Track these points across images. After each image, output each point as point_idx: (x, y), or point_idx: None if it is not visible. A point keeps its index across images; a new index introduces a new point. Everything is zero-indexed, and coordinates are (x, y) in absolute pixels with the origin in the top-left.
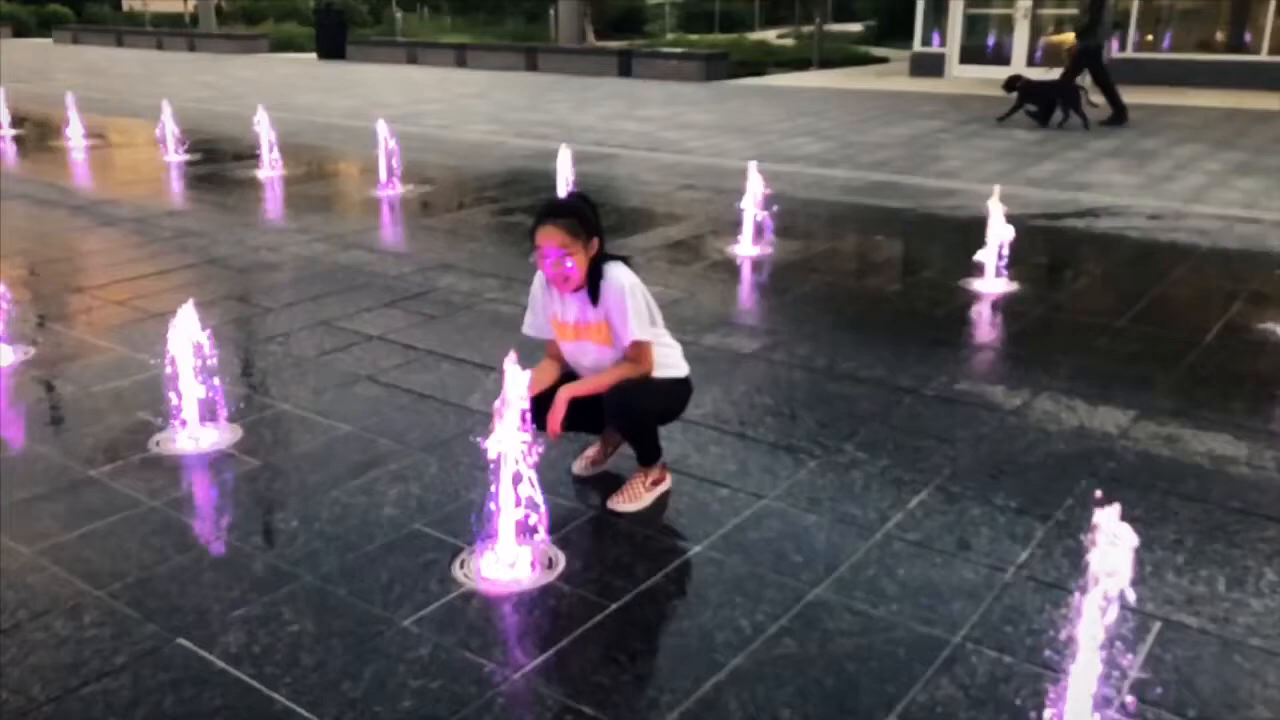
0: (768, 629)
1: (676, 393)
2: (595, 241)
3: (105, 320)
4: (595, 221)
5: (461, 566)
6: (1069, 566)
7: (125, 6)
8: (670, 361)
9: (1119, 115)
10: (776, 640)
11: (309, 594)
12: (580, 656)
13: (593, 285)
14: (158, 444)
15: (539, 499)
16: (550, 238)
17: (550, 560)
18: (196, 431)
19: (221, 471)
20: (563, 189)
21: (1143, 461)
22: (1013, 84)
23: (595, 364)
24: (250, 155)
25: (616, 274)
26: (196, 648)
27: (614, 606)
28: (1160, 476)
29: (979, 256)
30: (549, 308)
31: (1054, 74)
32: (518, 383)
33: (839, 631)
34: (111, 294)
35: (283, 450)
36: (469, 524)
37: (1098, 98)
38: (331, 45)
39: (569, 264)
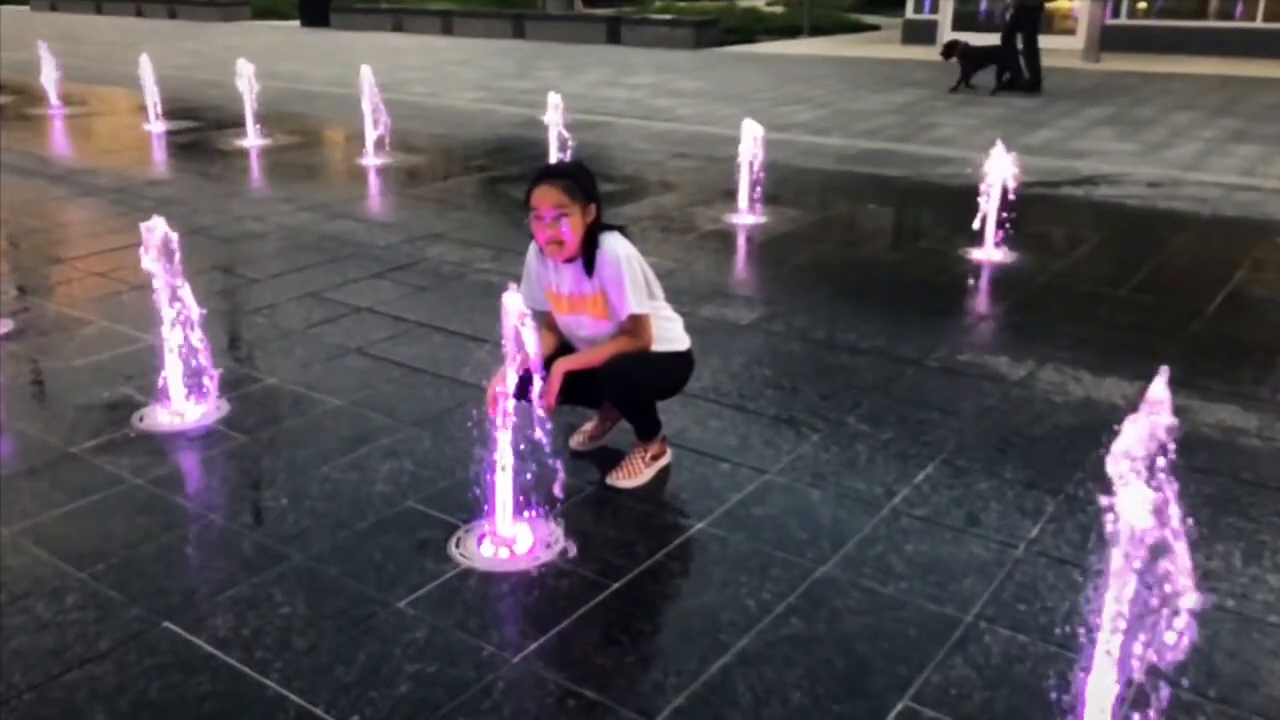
0: (775, 608)
1: (676, 367)
2: (592, 207)
3: (86, 292)
4: (593, 188)
5: (457, 545)
6: (1082, 541)
7: None
8: (670, 335)
9: (1034, 82)
10: (784, 620)
11: (300, 574)
12: (581, 638)
13: (588, 255)
14: (141, 419)
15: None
16: (546, 198)
17: (549, 537)
18: (181, 406)
19: (208, 448)
20: (553, 146)
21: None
22: (951, 50)
23: (592, 337)
24: (233, 123)
25: (613, 244)
26: (183, 631)
27: (615, 586)
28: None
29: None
30: (543, 278)
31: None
32: (516, 308)
33: (848, 610)
34: (92, 265)
35: (271, 425)
36: (464, 500)
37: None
38: (315, 12)
39: (564, 227)
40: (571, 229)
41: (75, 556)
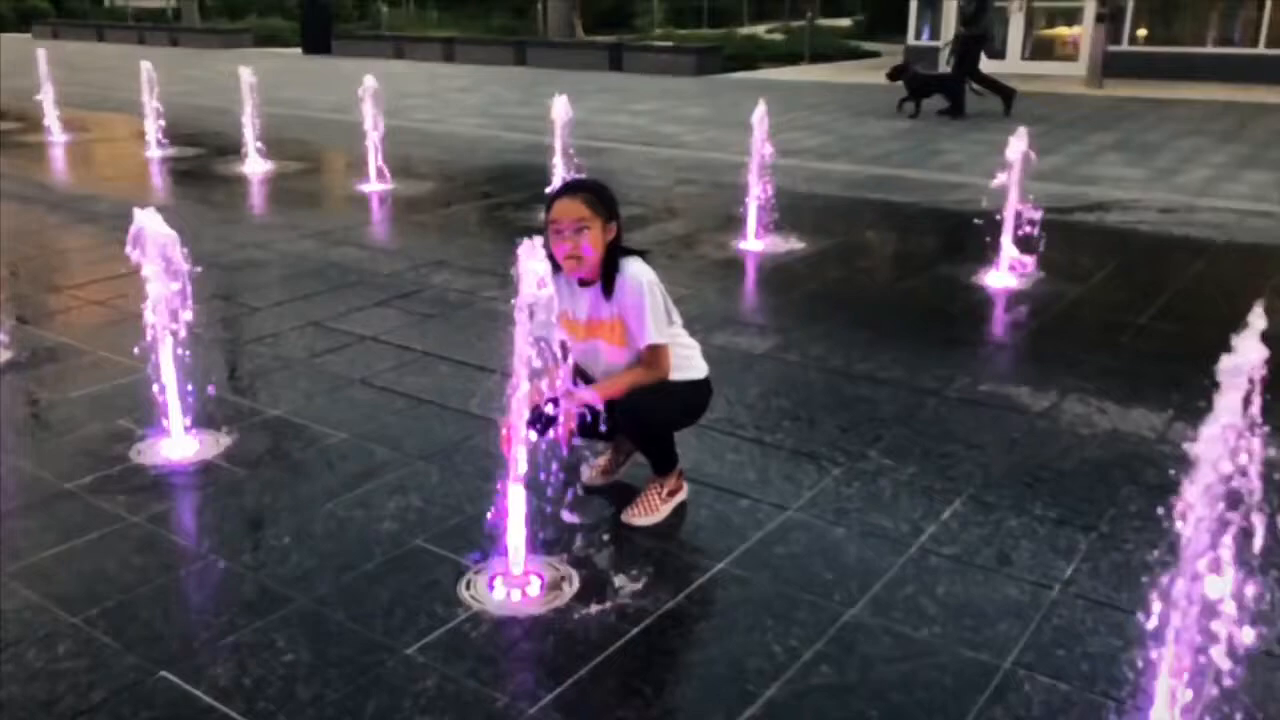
0: (802, 655)
1: (694, 396)
2: (613, 225)
3: (84, 321)
4: (614, 206)
5: (468, 587)
6: (1119, 583)
7: (106, 2)
8: (689, 363)
9: (957, 109)
10: (813, 667)
11: (304, 619)
12: (601, 688)
13: (607, 277)
14: (139, 454)
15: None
16: (567, 210)
17: (563, 579)
18: (181, 440)
19: (207, 483)
20: (558, 153)
21: (1186, 468)
22: (899, 73)
23: (608, 366)
24: (235, 150)
25: (635, 270)
26: (181, 681)
27: (634, 631)
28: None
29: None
30: (559, 304)
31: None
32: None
33: (880, 657)
34: (91, 294)
35: (273, 460)
36: (474, 539)
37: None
38: (316, 39)
39: (584, 241)
40: (592, 244)
41: (68, 600)
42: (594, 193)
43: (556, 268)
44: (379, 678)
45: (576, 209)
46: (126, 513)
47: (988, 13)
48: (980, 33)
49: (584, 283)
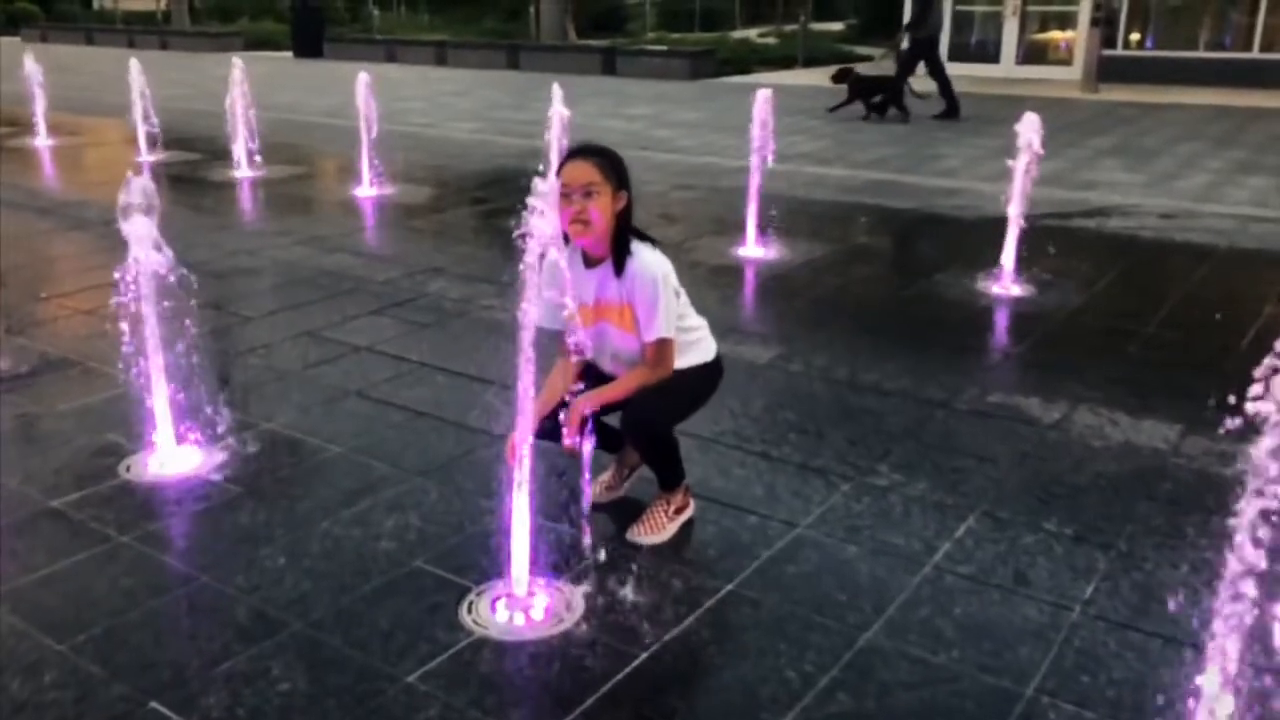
0: (818, 681)
1: (702, 385)
2: (623, 195)
3: (72, 331)
4: (625, 175)
5: (470, 610)
6: (1141, 604)
7: (95, 5)
8: (697, 345)
9: (951, 109)
10: (829, 695)
11: (300, 645)
12: (609, 718)
13: (618, 255)
14: (129, 469)
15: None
16: (577, 173)
17: (568, 602)
18: (172, 455)
19: (199, 501)
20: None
21: (1202, 482)
22: (843, 77)
23: (616, 351)
24: (226, 154)
25: (649, 258)
26: (172, 712)
27: (643, 656)
28: (1224, 499)
29: None
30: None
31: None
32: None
33: (898, 684)
34: (79, 302)
35: (267, 475)
36: (475, 559)
37: (919, 84)
38: (308, 43)
39: (593, 207)
40: (600, 210)
41: (55, 626)
42: (605, 158)
43: (567, 242)
44: (379, 707)
45: (586, 172)
46: (115, 532)
47: (934, 13)
48: (927, 35)
49: (591, 263)
